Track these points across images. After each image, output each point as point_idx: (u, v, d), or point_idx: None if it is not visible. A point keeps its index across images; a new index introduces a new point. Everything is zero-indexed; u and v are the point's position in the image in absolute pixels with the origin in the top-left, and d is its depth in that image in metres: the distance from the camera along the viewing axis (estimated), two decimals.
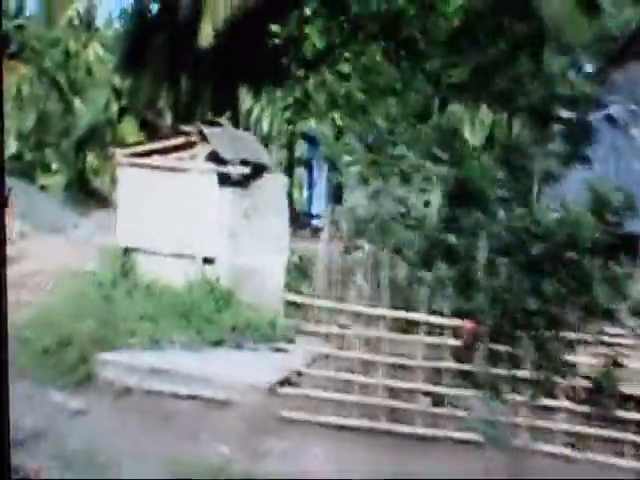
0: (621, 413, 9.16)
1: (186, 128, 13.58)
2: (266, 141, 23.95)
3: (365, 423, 9.48)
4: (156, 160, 12.93)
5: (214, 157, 12.72)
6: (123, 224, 13.03)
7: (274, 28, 18.50)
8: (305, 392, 9.94)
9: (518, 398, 9.40)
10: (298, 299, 11.02)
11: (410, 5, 16.84)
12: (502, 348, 9.65)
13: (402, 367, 10.07)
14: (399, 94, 16.14)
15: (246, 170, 12.56)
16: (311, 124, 19.76)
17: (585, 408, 9.29)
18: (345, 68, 17.54)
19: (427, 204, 11.07)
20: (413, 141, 12.86)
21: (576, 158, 12.25)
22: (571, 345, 9.61)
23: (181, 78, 23.85)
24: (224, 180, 12.58)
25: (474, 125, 19.11)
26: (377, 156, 12.58)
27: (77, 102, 29.83)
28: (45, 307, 12.14)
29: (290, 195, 16.55)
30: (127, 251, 12.94)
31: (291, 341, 11.68)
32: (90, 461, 7.99)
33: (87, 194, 28.11)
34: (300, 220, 18.26)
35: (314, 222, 18.48)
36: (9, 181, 19.24)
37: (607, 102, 13.78)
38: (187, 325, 11.48)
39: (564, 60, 14.88)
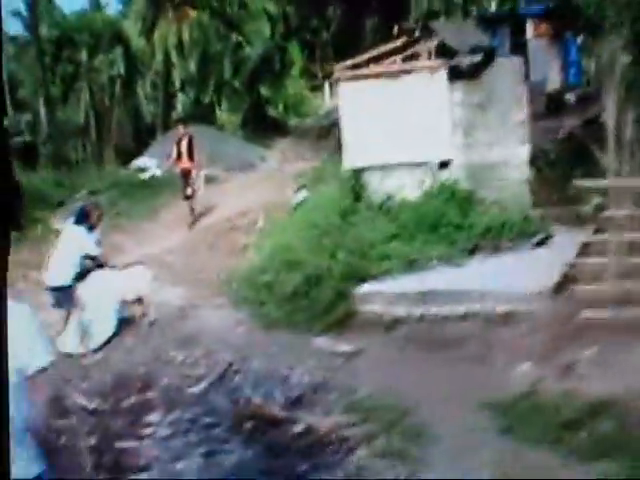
0: None
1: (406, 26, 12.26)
2: None
3: None
4: (376, 68, 11.63)
5: (441, 51, 11.31)
6: (350, 143, 11.88)
7: None
8: (598, 287, 8.17)
9: None
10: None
11: None
12: None
13: None
14: None
15: (477, 58, 11.04)
16: None
17: None
18: None
19: None
20: None
21: None
22: None
23: None
24: (454, 74, 11.20)
25: None
26: None
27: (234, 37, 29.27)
28: (275, 246, 11.20)
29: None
30: (356, 172, 11.82)
31: (549, 234, 10.34)
32: (394, 408, 6.80)
33: (265, 126, 27.67)
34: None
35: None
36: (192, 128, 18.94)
37: None
38: (437, 237, 10.30)
39: None
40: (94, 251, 9.29)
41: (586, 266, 8.75)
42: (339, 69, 11.91)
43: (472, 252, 10.00)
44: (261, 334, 9.03)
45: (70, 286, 9.15)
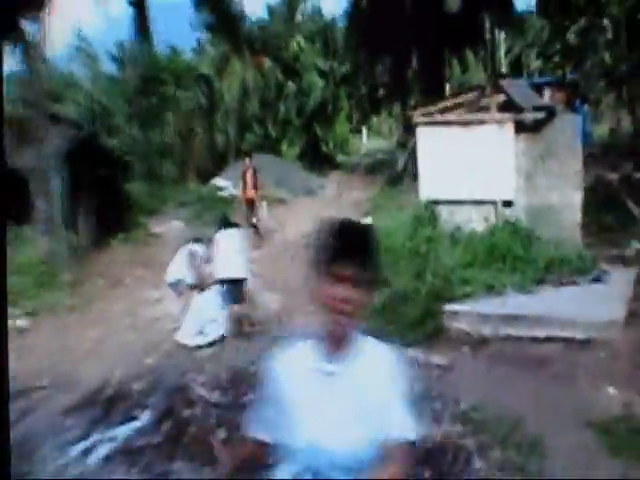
0: None
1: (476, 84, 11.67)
2: None
3: None
4: (450, 116, 11.04)
5: (509, 106, 10.67)
6: (425, 179, 11.24)
7: None
8: None
9: None
10: None
11: None
12: None
13: None
14: None
15: (540, 115, 10.43)
16: None
17: None
18: None
19: None
20: None
21: None
22: None
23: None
24: (519, 127, 10.59)
25: None
26: None
27: (291, 84, 28.94)
28: None
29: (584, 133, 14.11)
30: (429, 204, 11.14)
31: (604, 271, 9.64)
32: (503, 421, 6.04)
33: (319, 160, 27.27)
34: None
35: None
36: (258, 157, 18.52)
37: None
38: (507, 267, 9.61)
39: None
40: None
41: None
42: (418, 115, 11.29)
43: (540, 282, 9.28)
44: None
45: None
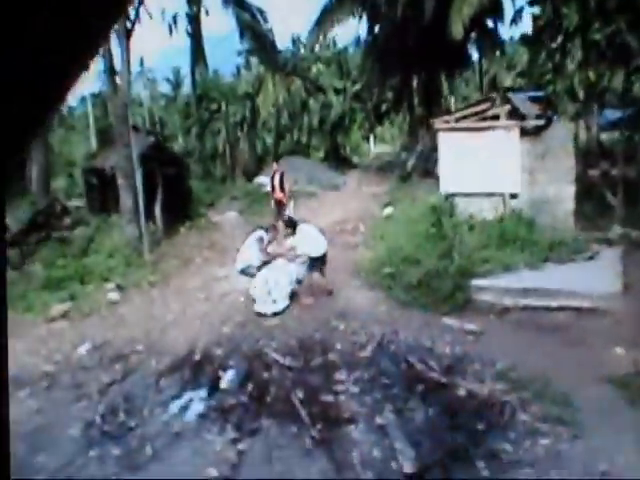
0: None
1: (489, 95, 11.18)
2: None
3: None
4: (466, 123, 10.58)
5: (515, 114, 10.21)
6: (445, 175, 10.83)
7: None
8: None
9: None
10: None
11: None
12: None
13: None
14: None
15: (541, 122, 9.97)
16: None
17: None
18: None
19: None
20: None
21: None
22: None
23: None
24: (523, 132, 10.15)
25: None
26: None
27: (313, 102, 28.29)
28: (389, 247, 10.01)
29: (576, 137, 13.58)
30: (448, 196, 10.72)
31: (596, 252, 9.22)
32: (536, 379, 5.67)
33: (340, 161, 26.79)
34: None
35: None
36: (292, 159, 17.96)
37: None
38: (518, 248, 9.21)
39: None
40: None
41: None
42: (440, 122, 10.84)
43: (545, 261, 8.89)
44: (398, 312, 7.98)
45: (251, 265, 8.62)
